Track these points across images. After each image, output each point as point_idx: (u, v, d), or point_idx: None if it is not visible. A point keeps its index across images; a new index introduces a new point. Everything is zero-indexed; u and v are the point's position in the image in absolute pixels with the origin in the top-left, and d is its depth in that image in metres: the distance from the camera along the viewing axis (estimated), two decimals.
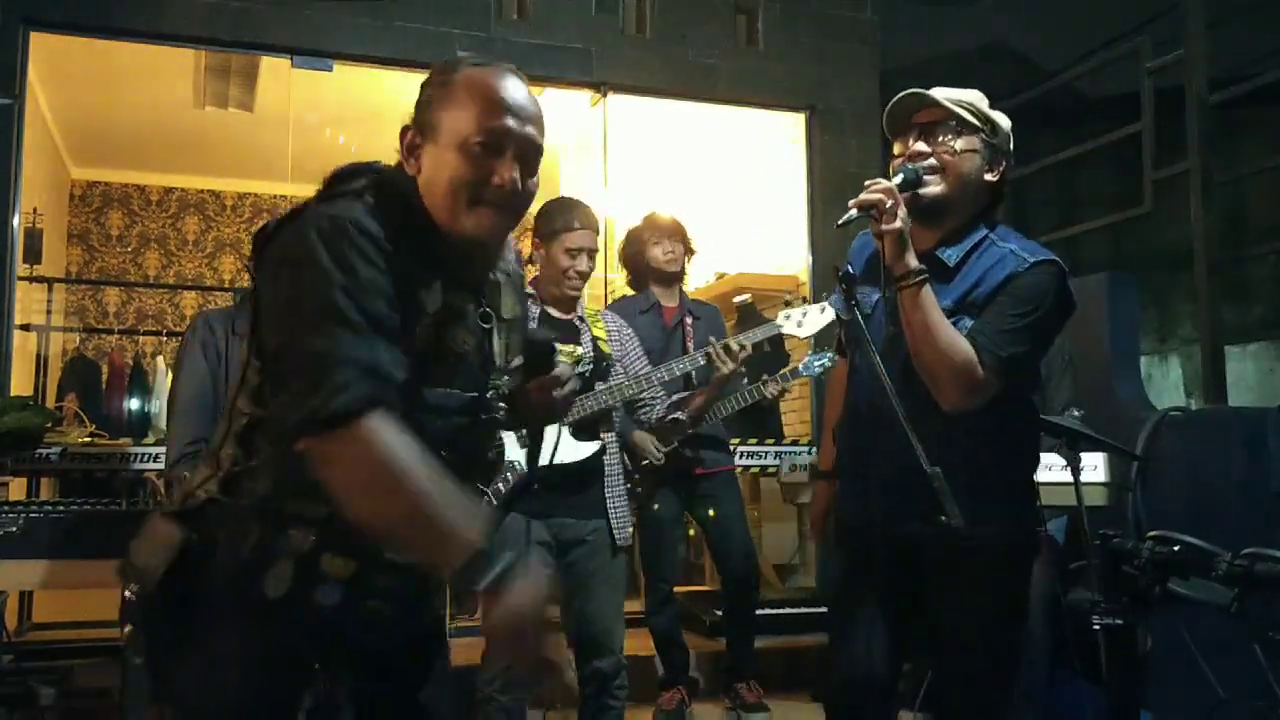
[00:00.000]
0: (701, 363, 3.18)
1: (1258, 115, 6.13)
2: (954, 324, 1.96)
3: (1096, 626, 1.74)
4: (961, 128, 2.03)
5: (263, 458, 1.38)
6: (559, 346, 2.34)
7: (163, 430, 5.05)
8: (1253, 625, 2.45)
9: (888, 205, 1.90)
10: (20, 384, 5.07)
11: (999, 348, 1.93)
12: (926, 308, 1.92)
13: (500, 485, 2.76)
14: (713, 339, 3.20)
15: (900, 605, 2.10)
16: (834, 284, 2.09)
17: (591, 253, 2.96)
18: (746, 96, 5.44)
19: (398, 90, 5.15)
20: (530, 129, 1.47)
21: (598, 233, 3.04)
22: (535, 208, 1.82)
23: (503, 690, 2.71)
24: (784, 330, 3.28)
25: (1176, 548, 1.64)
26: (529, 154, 1.47)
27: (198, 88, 6.15)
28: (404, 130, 1.47)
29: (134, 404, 6.53)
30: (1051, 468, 2.96)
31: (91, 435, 4.22)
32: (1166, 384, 7.46)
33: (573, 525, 2.82)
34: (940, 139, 2.03)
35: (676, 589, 4.08)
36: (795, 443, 5.12)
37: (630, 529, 2.95)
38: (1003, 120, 2.10)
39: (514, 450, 2.79)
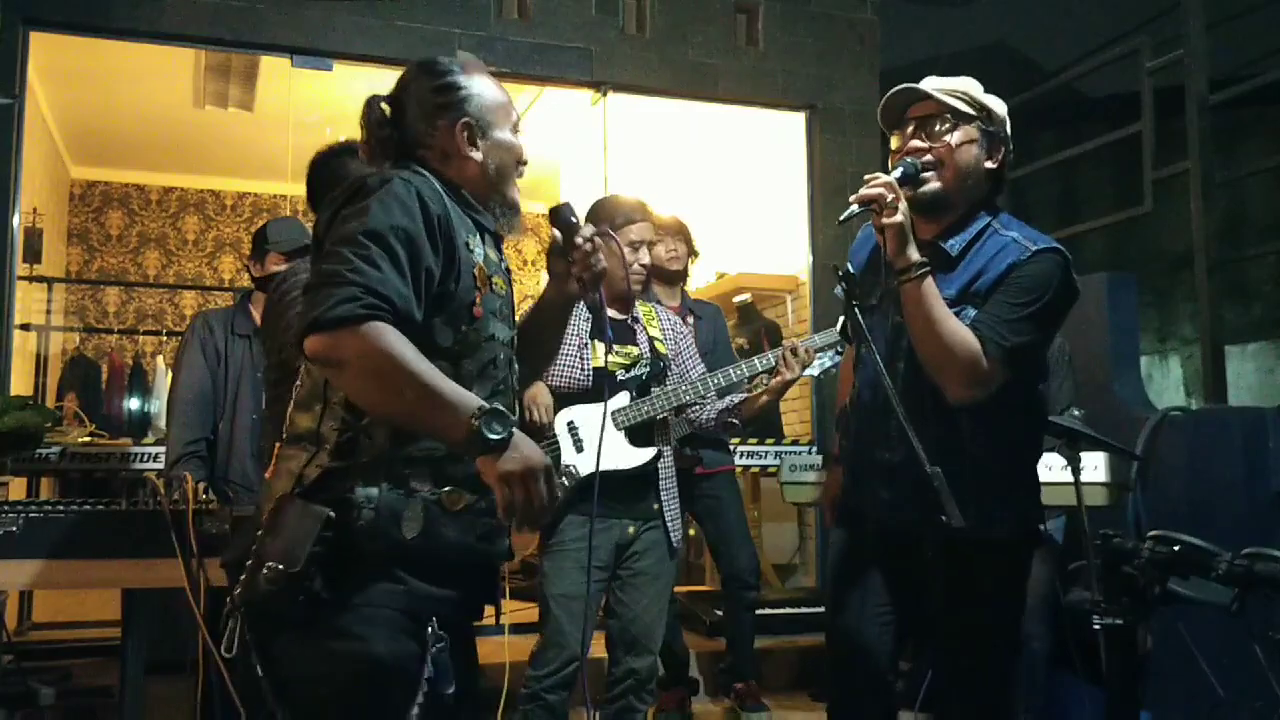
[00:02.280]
0: (761, 368, 3.10)
1: (1258, 115, 6.14)
2: (957, 314, 1.95)
3: (1096, 626, 1.74)
4: (957, 119, 2.02)
5: (372, 417, 1.53)
6: (616, 347, 2.63)
7: (163, 430, 5.06)
8: (1253, 625, 2.45)
9: (888, 199, 1.90)
10: (20, 384, 5.07)
11: (1003, 338, 1.92)
12: (929, 301, 1.92)
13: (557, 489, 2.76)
14: (786, 343, 3.14)
15: (901, 594, 2.10)
16: (834, 283, 2.09)
17: (651, 245, 2.95)
18: (746, 96, 5.44)
19: None
20: None
21: (653, 228, 3.01)
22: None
23: (550, 689, 2.71)
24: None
25: (1176, 548, 1.64)
26: None
27: (198, 87, 6.15)
28: (460, 122, 1.68)
29: (134, 404, 6.53)
30: (1051, 468, 2.96)
31: (91, 435, 4.22)
32: (1166, 384, 7.46)
33: (628, 527, 2.82)
34: (936, 132, 2.02)
35: (677, 589, 4.07)
36: (795, 442, 5.12)
37: (682, 533, 2.95)
38: (998, 105, 2.08)
39: (570, 454, 2.80)
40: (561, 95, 5.43)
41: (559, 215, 1.80)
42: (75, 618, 4.59)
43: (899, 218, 1.91)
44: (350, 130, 2.51)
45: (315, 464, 1.53)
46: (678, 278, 3.95)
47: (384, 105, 1.72)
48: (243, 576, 1.49)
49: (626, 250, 2.84)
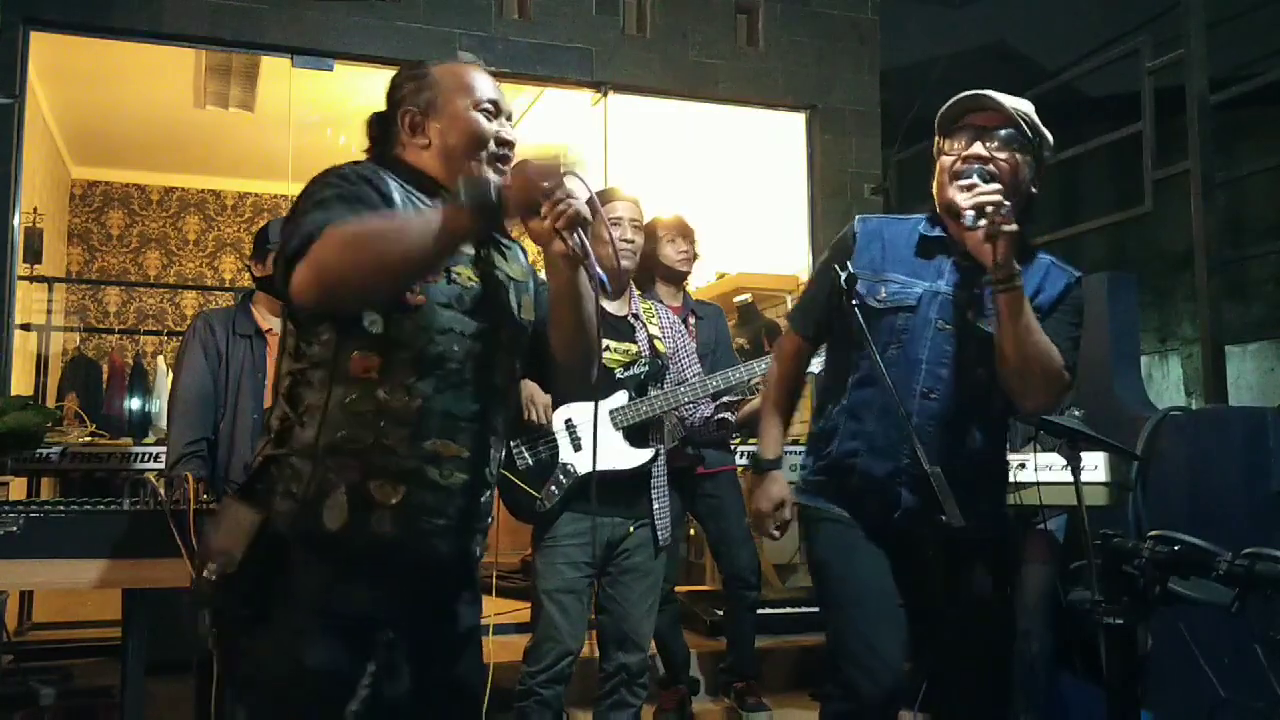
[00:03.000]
0: (760, 372, 3.06)
1: (1258, 115, 6.13)
2: None
3: (1096, 626, 1.74)
4: (1020, 138, 2.04)
5: (307, 404, 1.54)
6: (615, 344, 2.58)
7: (163, 430, 5.06)
8: (1253, 625, 2.45)
9: (1005, 207, 1.89)
10: (20, 384, 5.07)
11: (1070, 356, 1.99)
12: (1028, 310, 1.93)
13: (554, 487, 2.79)
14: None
15: (905, 593, 2.10)
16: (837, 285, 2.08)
17: (634, 223, 2.95)
18: (746, 96, 5.44)
19: None
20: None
21: (640, 210, 3.01)
22: None
23: (545, 685, 2.72)
24: None
25: (1176, 548, 1.64)
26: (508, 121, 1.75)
27: (198, 88, 6.15)
28: (402, 112, 1.69)
29: (134, 404, 6.54)
30: (1051, 467, 2.96)
31: (92, 435, 4.22)
32: (1166, 384, 7.46)
33: (619, 525, 2.84)
34: (1000, 145, 2.03)
35: (676, 589, 4.07)
36: (796, 442, 5.11)
37: (670, 530, 2.96)
38: (1049, 137, 2.11)
39: (568, 452, 2.81)
40: (561, 95, 5.43)
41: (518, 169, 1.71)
42: (75, 618, 4.59)
43: (1014, 225, 1.88)
44: (351, 130, 2.52)
45: (261, 453, 1.57)
46: (683, 277, 3.95)
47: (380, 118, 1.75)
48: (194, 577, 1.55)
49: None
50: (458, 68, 1.72)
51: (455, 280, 1.61)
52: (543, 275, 1.78)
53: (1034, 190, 2.09)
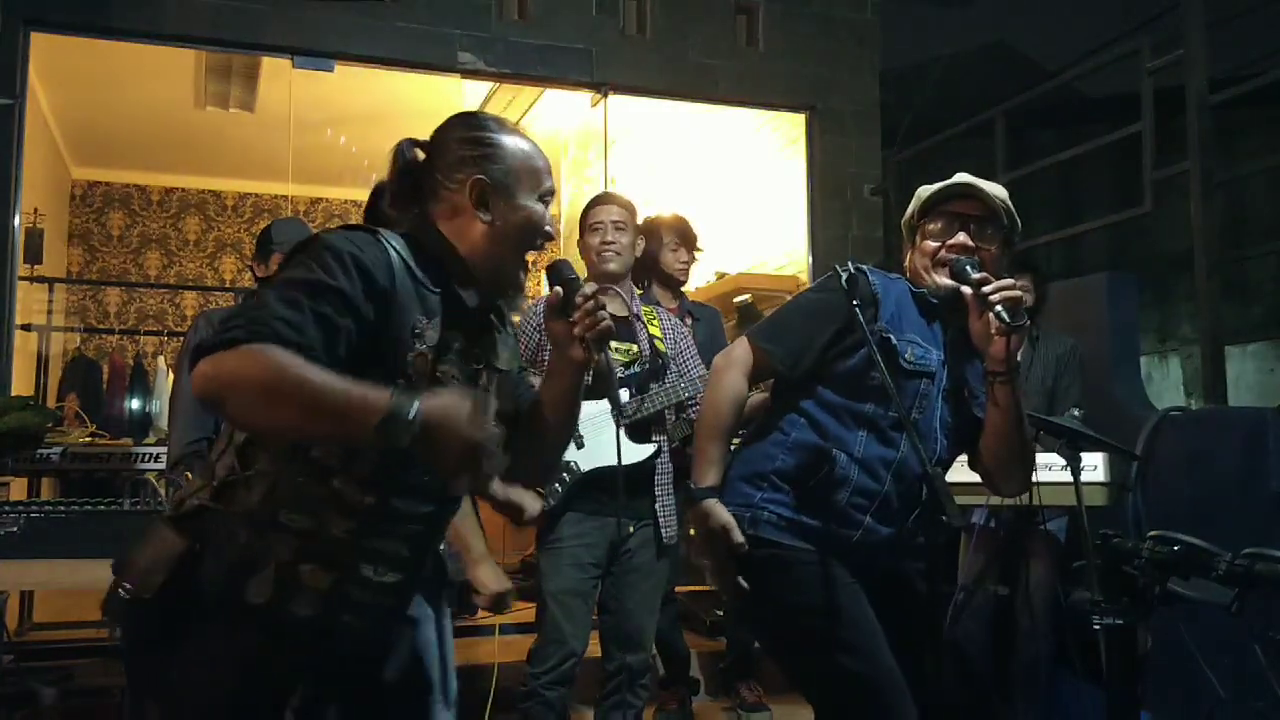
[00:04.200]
0: None
1: (1258, 115, 6.13)
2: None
3: (1096, 626, 1.74)
4: (1000, 228, 2.05)
5: (258, 469, 1.46)
6: (615, 344, 2.45)
7: (163, 430, 5.06)
8: (1253, 625, 2.45)
9: (1026, 304, 1.97)
10: (21, 384, 5.07)
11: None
12: (1021, 400, 2.00)
13: (556, 485, 2.79)
14: None
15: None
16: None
17: (616, 224, 2.95)
18: (746, 96, 5.45)
19: (398, 90, 5.16)
20: None
21: (626, 209, 3.01)
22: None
23: (549, 686, 2.73)
24: None
25: (1176, 548, 1.65)
26: None
27: (198, 88, 6.16)
28: (473, 180, 1.54)
29: (135, 404, 6.54)
30: (1051, 468, 2.96)
31: (92, 435, 4.23)
32: (1166, 384, 7.47)
33: (626, 525, 2.84)
34: (984, 235, 2.04)
35: (676, 589, 4.07)
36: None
37: (676, 529, 2.95)
38: (1018, 221, 2.11)
39: (570, 450, 2.81)
40: (561, 95, 5.43)
41: (557, 271, 1.63)
42: (75, 618, 4.59)
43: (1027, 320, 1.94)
44: (350, 130, 2.51)
45: (196, 497, 1.48)
46: (681, 284, 3.94)
47: (416, 150, 1.61)
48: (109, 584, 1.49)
49: (590, 236, 2.92)
50: (525, 146, 1.61)
51: (440, 379, 1.50)
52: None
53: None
